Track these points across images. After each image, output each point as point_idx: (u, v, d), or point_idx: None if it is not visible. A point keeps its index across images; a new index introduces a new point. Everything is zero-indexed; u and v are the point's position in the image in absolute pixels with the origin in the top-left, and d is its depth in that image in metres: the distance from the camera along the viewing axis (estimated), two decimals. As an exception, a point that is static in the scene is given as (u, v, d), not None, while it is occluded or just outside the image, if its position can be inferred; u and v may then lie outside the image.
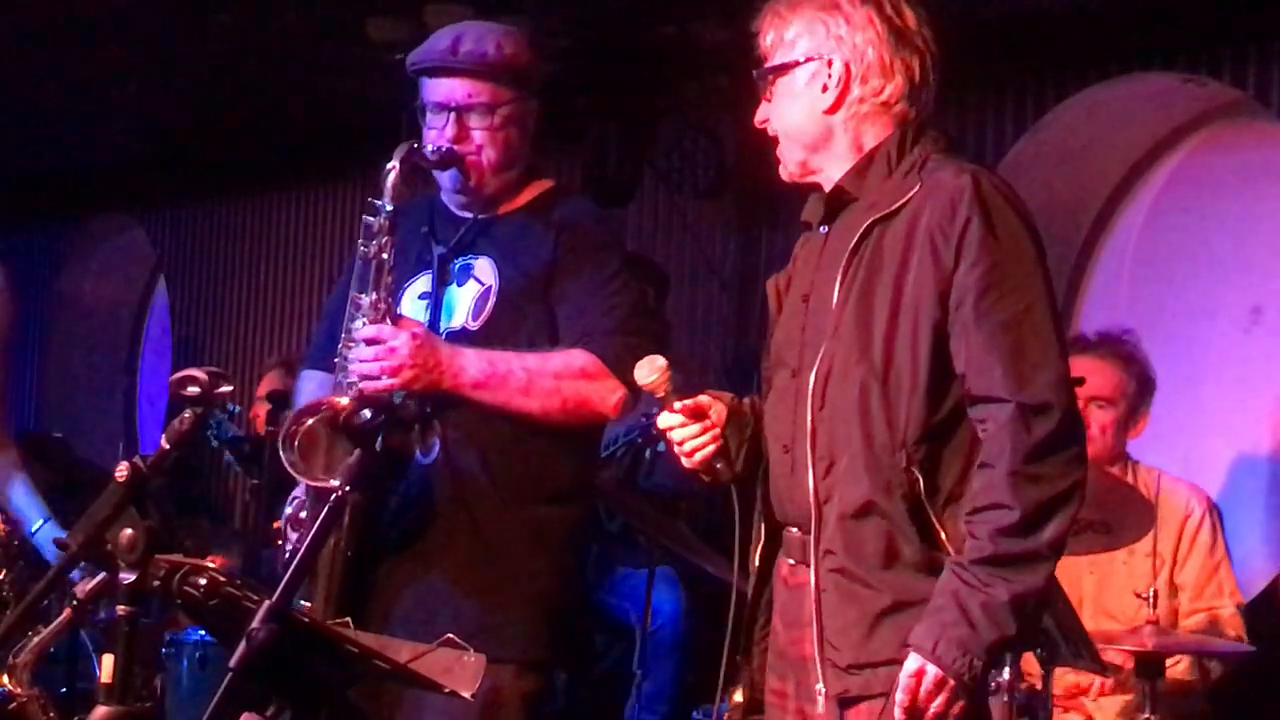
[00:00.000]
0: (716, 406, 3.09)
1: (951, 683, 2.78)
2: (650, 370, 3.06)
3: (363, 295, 3.68)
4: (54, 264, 10.68)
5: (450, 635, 3.44)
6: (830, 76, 3.01)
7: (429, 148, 3.74)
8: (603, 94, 6.91)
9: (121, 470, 2.69)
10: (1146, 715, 4.26)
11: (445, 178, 3.81)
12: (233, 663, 2.53)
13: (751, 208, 6.95)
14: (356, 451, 2.70)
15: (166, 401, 9.87)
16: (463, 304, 3.78)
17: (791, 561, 3.03)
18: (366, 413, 2.75)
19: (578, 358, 3.69)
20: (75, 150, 9.13)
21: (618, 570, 5.96)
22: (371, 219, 3.69)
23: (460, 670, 3.49)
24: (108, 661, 2.79)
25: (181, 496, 7.06)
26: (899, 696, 2.80)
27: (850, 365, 2.90)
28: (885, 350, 2.88)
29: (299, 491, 3.73)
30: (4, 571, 5.23)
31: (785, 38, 3.06)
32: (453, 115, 3.75)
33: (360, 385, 3.61)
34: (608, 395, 3.71)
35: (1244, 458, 5.96)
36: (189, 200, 9.66)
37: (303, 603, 3.48)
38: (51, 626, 3.67)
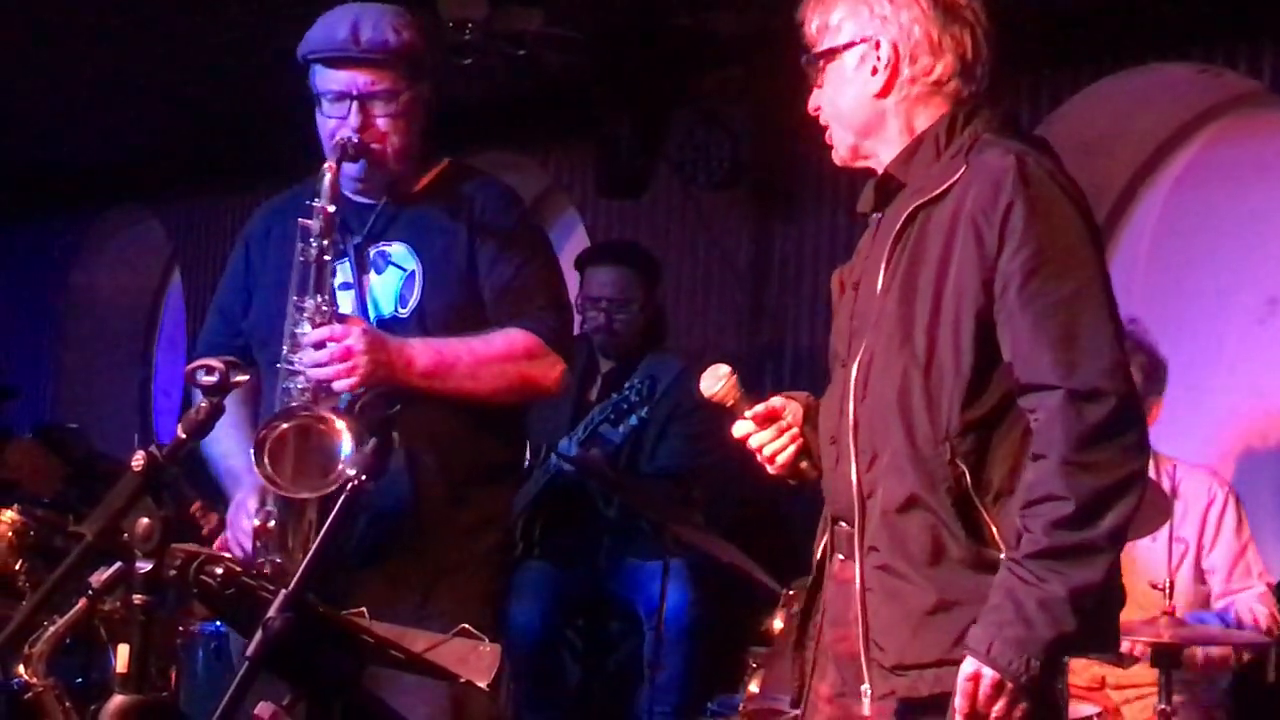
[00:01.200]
0: (791, 406, 3.04)
1: (1010, 685, 2.68)
2: (715, 380, 3.01)
3: (306, 298, 3.66)
4: (70, 255, 10.70)
5: (465, 626, 3.48)
6: (879, 59, 2.94)
7: (350, 138, 3.70)
8: (617, 85, 6.90)
9: (137, 460, 2.69)
10: (1162, 705, 4.26)
11: (352, 168, 3.76)
12: (249, 652, 2.53)
13: (766, 200, 6.94)
14: (373, 441, 2.70)
15: (181, 392, 9.89)
16: (386, 292, 3.78)
17: (841, 557, 2.96)
18: (383, 400, 2.74)
19: (519, 338, 3.72)
20: (91, 142, 9.14)
21: (627, 562, 5.96)
22: (310, 221, 3.66)
23: (476, 659, 3.50)
24: (123, 651, 2.79)
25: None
26: (957, 701, 2.72)
27: (892, 355, 2.83)
28: (928, 339, 2.80)
29: (268, 502, 3.69)
30: (21, 562, 5.24)
31: (830, 22, 2.99)
32: (355, 104, 3.72)
33: (317, 389, 3.61)
34: (550, 371, 3.78)
35: (1259, 447, 5.95)
36: (204, 192, 9.67)
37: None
38: (67, 616, 3.67)
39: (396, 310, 3.76)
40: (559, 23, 6.32)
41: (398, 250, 3.79)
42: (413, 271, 3.77)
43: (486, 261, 3.76)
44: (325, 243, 3.65)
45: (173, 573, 2.66)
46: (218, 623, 5.74)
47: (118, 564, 3.24)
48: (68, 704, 3.82)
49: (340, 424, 3.54)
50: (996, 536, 2.77)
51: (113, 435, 9.35)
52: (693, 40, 6.51)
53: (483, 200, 3.82)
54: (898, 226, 2.88)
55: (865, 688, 2.83)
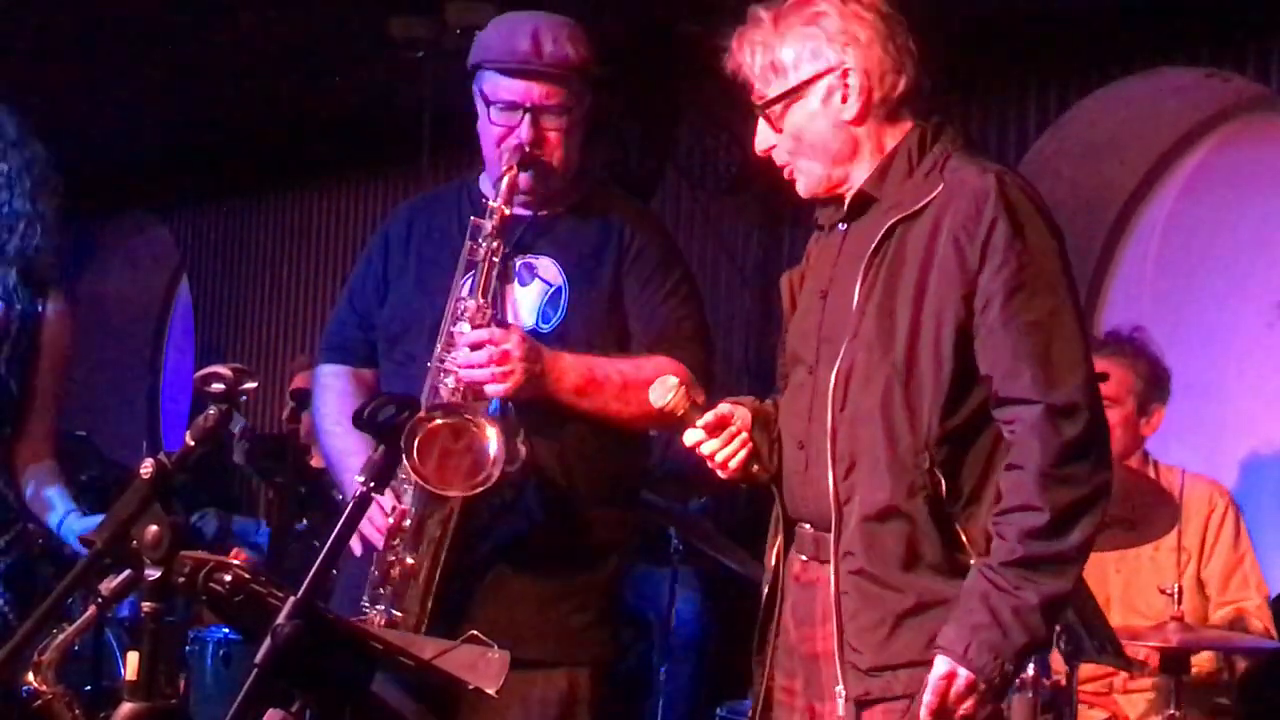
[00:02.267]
0: (739, 411, 3.06)
1: (983, 686, 2.77)
2: (664, 391, 3.05)
3: (469, 298, 3.61)
4: (78, 262, 10.71)
5: (474, 633, 3.46)
6: (849, 86, 2.95)
7: (525, 148, 3.64)
8: (625, 91, 6.91)
9: (146, 467, 2.69)
10: (1171, 711, 4.26)
11: (521, 179, 3.69)
12: (258, 659, 2.53)
13: (773, 204, 6.95)
14: (381, 448, 2.70)
15: (190, 399, 9.91)
16: (528, 304, 3.71)
17: (804, 558, 3.01)
18: (390, 408, 2.73)
19: (667, 366, 3.58)
20: (99, 149, 9.14)
21: (637, 568, 5.96)
22: (483, 220, 3.63)
23: (484, 667, 3.49)
24: (133, 659, 2.78)
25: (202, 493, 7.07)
26: (927, 699, 2.79)
27: (873, 366, 2.88)
28: (908, 351, 2.85)
29: (394, 499, 3.59)
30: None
31: (783, 61, 2.98)
32: (528, 115, 3.66)
33: (468, 389, 3.54)
34: None
35: (1266, 453, 5.95)
36: (212, 199, 9.69)
37: (394, 613, 3.47)
38: (76, 624, 3.67)
39: (538, 325, 3.68)
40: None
41: (545, 264, 3.72)
42: (559, 288, 3.70)
43: (635, 286, 3.71)
44: (496, 244, 3.60)
45: (182, 580, 2.66)
46: (226, 630, 5.75)
47: (127, 571, 3.24)
48: (77, 711, 3.81)
49: (490, 428, 3.48)
50: (966, 542, 2.85)
51: (120, 443, 9.37)
52: (700, 47, 6.51)
53: (633, 223, 3.77)
54: (876, 241, 2.91)
55: (839, 689, 2.88)
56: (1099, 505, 2.81)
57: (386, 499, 3.59)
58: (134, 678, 2.75)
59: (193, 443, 2.73)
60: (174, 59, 7.44)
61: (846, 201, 3.03)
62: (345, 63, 7.19)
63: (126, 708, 2.67)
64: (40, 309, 4.03)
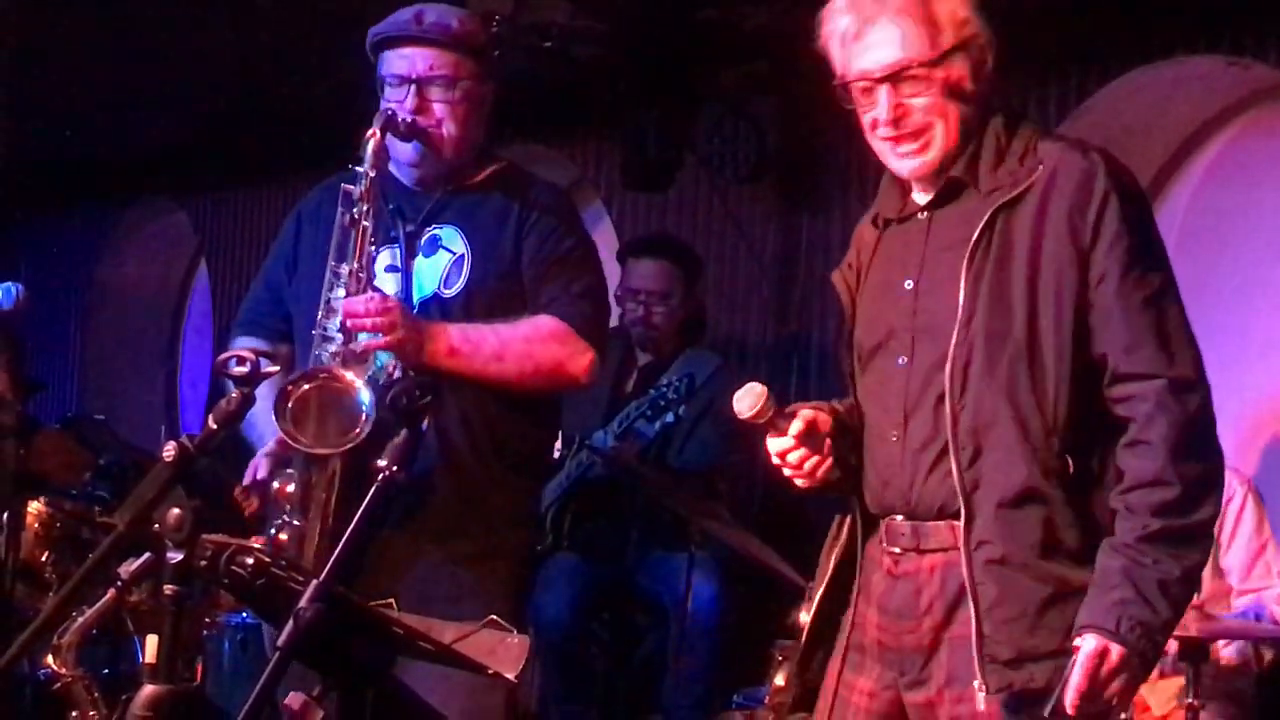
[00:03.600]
0: (821, 417, 3.03)
1: (1135, 662, 2.75)
2: (753, 401, 2.95)
3: (342, 264, 3.71)
4: (96, 248, 10.73)
5: (494, 617, 3.47)
6: (985, 51, 2.95)
7: (400, 117, 3.77)
8: (642, 78, 6.90)
9: (169, 450, 2.70)
10: (1191, 700, 4.25)
11: (406, 149, 3.84)
12: (280, 642, 2.54)
13: (792, 193, 6.94)
14: (403, 432, 2.70)
15: (208, 384, 9.92)
16: (431, 273, 3.83)
17: (897, 550, 2.98)
18: (416, 391, 2.74)
19: (546, 323, 3.76)
20: (117, 135, 9.16)
21: (654, 555, 5.96)
22: (351, 186, 3.72)
23: (504, 651, 3.50)
24: (152, 642, 2.80)
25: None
26: (1076, 680, 2.75)
27: (994, 352, 2.85)
28: (1029, 335, 2.84)
29: (291, 465, 3.71)
30: (47, 554, 5.26)
31: (935, 17, 2.93)
32: (413, 87, 3.80)
33: (352, 343, 3.63)
34: (578, 358, 3.79)
35: (1286, 439, 5.93)
36: (230, 184, 9.69)
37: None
38: (95, 607, 3.68)
39: (440, 289, 3.80)
40: (586, 15, 6.32)
41: (448, 233, 3.84)
42: (461, 255, 3.83)
43: (530, 251, 3.81)
44: (365, 208, 3.70)
45: (203, 563, 2.67)
46: (244, 614, 5.76)
47: (147, 554, 3.25)
48: (96, 694, 3.83)
49: (356, 380, 3.57)
50: (1100, 527, 2.83)
51: (139, 427, 9.38)
52: (719, 33, 6.50)
53: (535, 196, 3.89)
54: (979, 228, 2.89)
55: (978, 683, 2.84)
56: (1221, 480, 2.83)
57: (268, 464, 3.70)
58: (153, 660, 2.77)
59: (215, 426, 2.74)
60: (190, 44, 7.43)
61: (938, 187, 2.99)
62: (364, 48, 7.18)
63: (147, 690, 2.68)
64: None
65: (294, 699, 2.70)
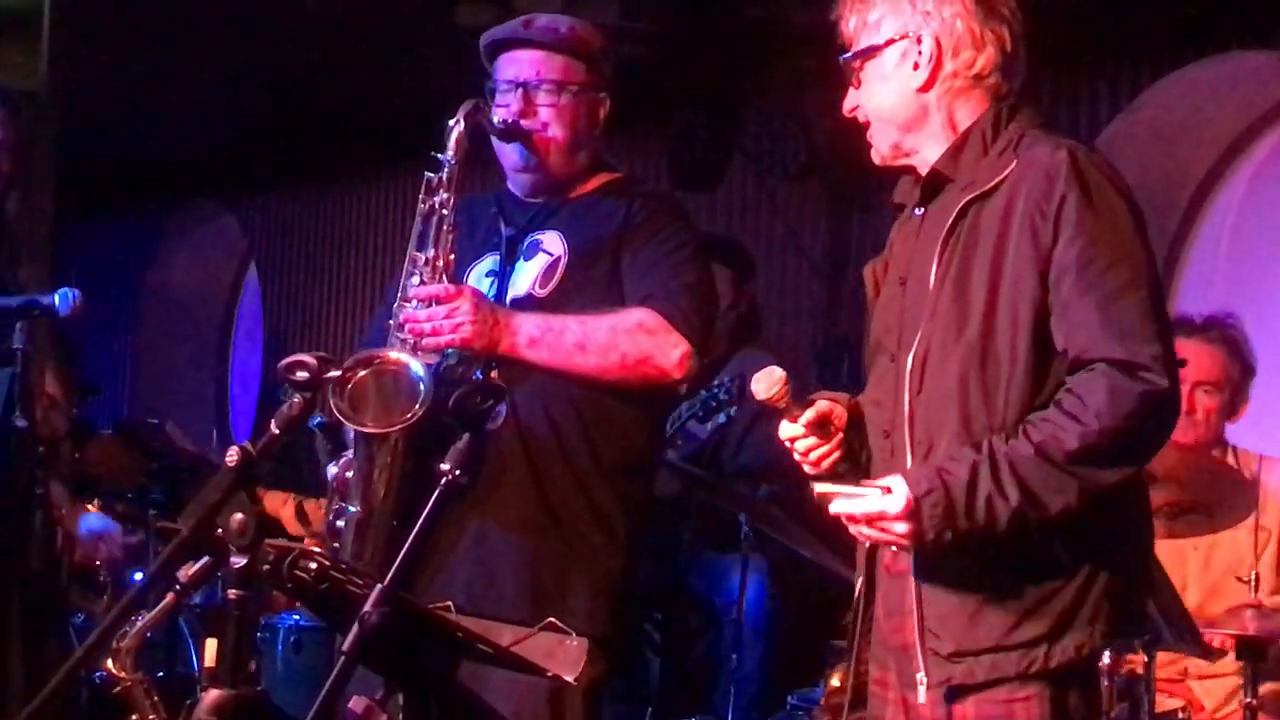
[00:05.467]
0: (837, 410, 3.04)
1: (908, 542, 2.78)
2: (770, 383, 2.96)
3: (420, 252, 3.67)
4: (146, 251, 10.79)
5: (552, 620, 3.47)
6: (921, 54, 2.97)
7: (495, 117, 3.74)
8: (690, 77, 6.90)
9: (232, 455, 2.70)
10: (1248, 699, 4.23)
11: (511, 153, 3.79)
12: (345, 646, 2.55)
13: (841, 190, 6.93)
14: (466, 435, 2.71)
15: (259, 387, 9.95)
16: (529, 274, 3.76)
17: (893, 549, 2.98)
18: (478, 396, 2.74)
19: (636, 313, 3.64)
20: (167, 138, 9.21)
21: (706, 556, 5.96)
22: (432, 174, 3.70)
23: (563, 654, 3.51)
24: (211, 646, 2.80)
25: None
26: (859, 507, 2.80)
27: (948, 348, 2.86)
28: (984, 331, 2.83)
29: (347, 452, 3.67)
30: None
31: (869, 20, 3.01)
32: (520, 91, 3.76)
33: (421, 342, 3.58)
34: (669, 350, 3.63)
35: (1340, 439, 5.89)
36: (280, 187, 9.73)
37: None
38: (154, 611, 3.69)
39: (533, 289, 3.72)
40: (634, 15, 6.33)
41: (549, 238, 3.77)
42: (559, 257, 3.74)
43: (633, 250, 3.72)
44: (445, 195, 3.67)
45: (266, 568, 2.67)
46: (297, 617, 5.78)
47: (205, 558, 3.26)
48: (155, 698, 3.84)
49: (407, 358, 3.52)
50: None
51: (190, 431, 9.42)
52: (766, 32, 6.50)
53: (642, 198, 3.82)
54: (949, 221, 2.90)
55: (920, 676, 2.85)
56: (1135, 464, 2.79)
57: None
58: (212, 665, 2.77)
59: (278, 431, 2.75)
60: (240, 47, 7.47)
61: (921, 181, 3.02)
62: (413, 50, 7.20)
63: (212, 694, 2.69)
64: None
65: (357, 703, 2.71)
